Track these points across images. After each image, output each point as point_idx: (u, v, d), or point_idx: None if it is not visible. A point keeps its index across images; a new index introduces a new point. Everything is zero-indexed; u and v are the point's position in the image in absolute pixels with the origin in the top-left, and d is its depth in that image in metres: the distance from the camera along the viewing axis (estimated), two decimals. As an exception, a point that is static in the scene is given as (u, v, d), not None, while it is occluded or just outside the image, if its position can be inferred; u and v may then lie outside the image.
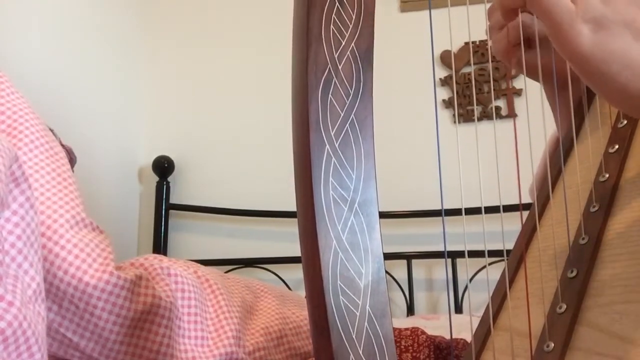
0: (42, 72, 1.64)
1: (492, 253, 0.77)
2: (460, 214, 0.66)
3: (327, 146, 0.44)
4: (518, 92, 1.93)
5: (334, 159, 0.44)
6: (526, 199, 0.60)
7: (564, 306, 0.52)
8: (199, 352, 0.87)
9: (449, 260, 1.83)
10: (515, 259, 0.61)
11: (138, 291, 0.80)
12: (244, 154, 2.09)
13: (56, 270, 0.75)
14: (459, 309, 1.83)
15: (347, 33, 0.46)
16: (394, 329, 0.58)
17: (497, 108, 1.95)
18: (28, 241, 0.63)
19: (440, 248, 1.82)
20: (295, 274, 1.91)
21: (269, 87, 2.02)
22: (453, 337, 0.80)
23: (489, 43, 0.65)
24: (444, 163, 0.55)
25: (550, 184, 0.63)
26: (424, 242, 1.87)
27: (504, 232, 0.54)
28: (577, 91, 0.66)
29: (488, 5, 0.61)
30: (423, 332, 0.78)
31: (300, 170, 0.44)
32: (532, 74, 0.66)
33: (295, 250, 0.47)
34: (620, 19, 0.45)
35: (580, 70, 0.46)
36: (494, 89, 1.98)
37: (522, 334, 0.53)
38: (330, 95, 0.44)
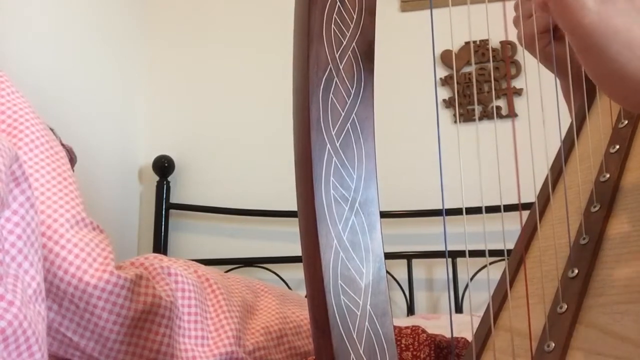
0: (42, 72, 1.64)
1: (493, 253, 0.77)
2: (461, 214, 0.66)
3: (328, 146, 0.44)
4: (518, 92, 1.93)
5: (334, 158, 0.44)
6: (526, 198, 0.60)
7: (565, 306, 0.52)
8: (199, 352, 0.87)
9: (449, 260, 1.83)
10: (515, 258, 0.61)
11: (138, 291, 0.80)
12: (244, 154, 2.09)
13: (56, 269, 0.75)
14: (459, 309, 1.83)
15: (348, 32, 0.46)
16: (394, 327, 0.58)
17: (498, 108, 1.95)
18: (28, 241, 0.63)
19: (441, 248, 1.82)
20: (295, 273, 1.91)
21: (269, 87, 2.02)
22: (453, 336, 0.80)
23: (521, 33, 0.64)
24: (444, 163, 0.55)
25: (551, 184, 0.63)
26: (424, 241, 1.87)
27: (505, 231, 0.54)
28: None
29: (489, 5, 0.61)
30: (423, 331, 0.78)
31: (301, 169, 0.44)
32: (556, 66, 0.66)
33: (296, 249, 0.47)
34: None
35: (580, 44, 0.45)
36: (494, 89, 1.98)
37: (523, 334, 0.53)
38: (331, 95, 0.44)
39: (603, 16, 0.43)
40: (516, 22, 0.65)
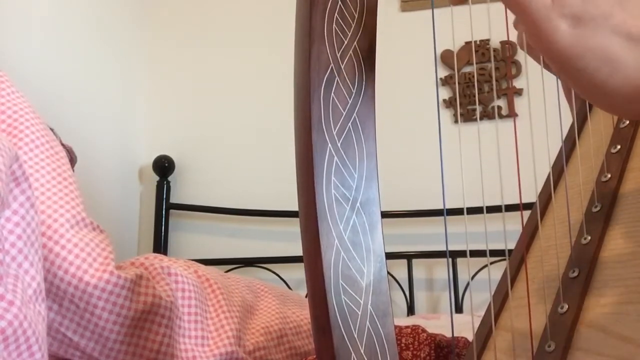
0: (42, 72, 1.63)
1: (494, 253, 0.77)
2: (462, 214, 0.66)
3: (329, 145, 0.44)
4: (519, 92, 1.93)
5: (336, 158, 0.44)
6: (527, 198, 0.60)
7: (566, 306, 0.52)
8: (199, 352, 0.87)
9: (450, 260, 1.83)
10: (516, 258, 0.61)
11: (138, 291, 0.80)
12: (244, 154, 2.09)
13: (56, 269, 0.75)
14: (459, 309, 1.83)
15: (349, 32, 0.46)
16: (395, 327, 0.58)
17: (498, 108, 1.95)
18: (28, 241, 0.63)
19: (441, 248, 1.82)
20: (295, 273, 1.91)
21: (270, 86, 2.02)
22: (454, 336, 0.80)
23: (522, 36, 0.64)
24: (445, 163, 0.55)
25: (552, 184, 0.63)
26: (424, 241, 1.87)
27: (506, 231, 0.54)
28: None
29: (490, 5, 0.61)
30: (424, 330, 0.78)
31: (302, 169, 0.44)
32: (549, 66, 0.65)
33: (296, 249, 0.47)
34: (599, 13, 0.43)
35: (558, 67, 0.45)
36: (495, 89, 1.98)
37: (524, 334, 0.53)
38: (332, 94, 0.44)
39: (578, 38, 0.43)
40: (517, 25, 0.65)
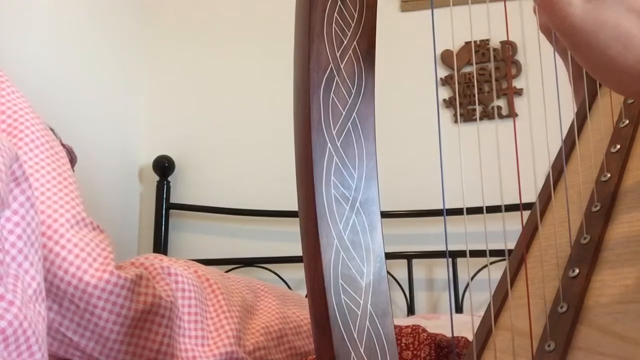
0: (42, 72, 1.63)
1: (494, 253, 0.77)
2: (462, 214, 0.66)
3: (329, 145, 0.44)
4: (519, 92, 1.93)
5: (335, 157, 0.44)
6: (527, 198, 0.60)
7: (565, 306, 0.52)
8: (199, 352, 0.87)
9: (450, 260, 1.83)
10: (516, 258, 0.61)
11: (138, 291, 0.80)
12: (244, 154, 2.09)
13: (56, 269, 0.75)
14: (459, 309, 1.83)
15: (349, 32, 0.46)
16: (395, 327, 0.58)
17: (498, 108, 1.95)
18: (28, 241, 0.63)
19: (441, 248, 1.82)
20: (295, 273, 1.91)
21: (270, 86, 2.02)
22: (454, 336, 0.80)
23: (538, 20, 0.63)
24: (445, 163, 0.55)
25: (552, 184, 0.63)
26: (424, 241, 1.87)
27: (506, 231, 0.54)
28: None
29: (490, 5, 0.61)
30: (424, 330, 0.78)
31: (301, 169, 0.44)
32: (562, 54, 0.65)
33: (296, 249, 0.47)
34: None
35: (569, 41, 0.44)
36: (495, 89, 1.98)
37: (523, 334, 0.53)
38: (332, 94, 0.44)
39: (590, 13, 0.43)
40: (536, 10, 0.64)
